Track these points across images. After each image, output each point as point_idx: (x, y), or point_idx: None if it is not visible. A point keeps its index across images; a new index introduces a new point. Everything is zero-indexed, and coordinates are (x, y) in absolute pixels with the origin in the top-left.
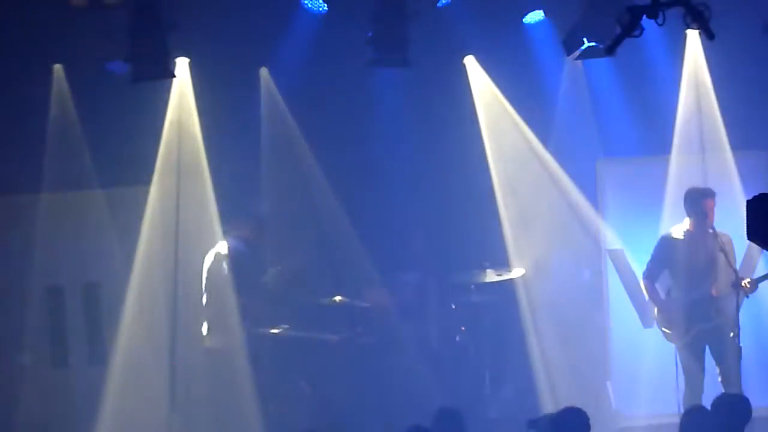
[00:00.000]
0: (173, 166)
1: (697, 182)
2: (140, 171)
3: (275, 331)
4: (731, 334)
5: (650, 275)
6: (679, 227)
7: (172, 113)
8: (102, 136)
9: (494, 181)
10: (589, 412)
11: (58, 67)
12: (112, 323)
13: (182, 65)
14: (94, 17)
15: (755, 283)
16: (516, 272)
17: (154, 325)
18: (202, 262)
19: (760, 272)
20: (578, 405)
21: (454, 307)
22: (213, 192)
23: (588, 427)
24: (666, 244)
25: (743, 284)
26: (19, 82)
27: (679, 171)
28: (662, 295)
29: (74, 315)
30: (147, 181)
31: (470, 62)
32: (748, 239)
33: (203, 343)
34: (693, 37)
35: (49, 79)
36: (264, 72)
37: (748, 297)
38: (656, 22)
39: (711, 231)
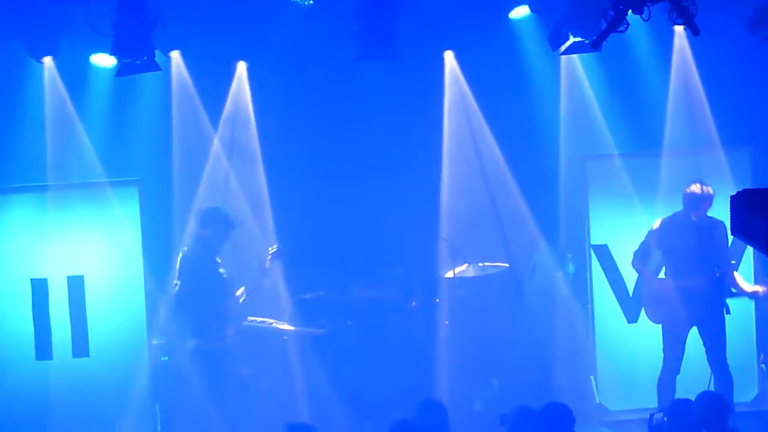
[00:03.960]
0: (163, 161)
1: (685, 178)
2: (126, 165)
3: (262, 323)
4: (718, 318)
5: (641, 256)
6: (675, 213)
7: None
8: (89, 130)
9: (481, 178)
10: (573, 407)
11: (47, 59)
12: (96, 316)
13: (176, 59)
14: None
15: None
16: (501, 267)
17: (137, 318)
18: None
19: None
20: (562, 399)
21: (438, 301)
22: (202, 188)
23: (573, 422)
24: (661, 227)
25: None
26: (5, 75)
27: (665, 167)
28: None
29: (58, 307)
30: (135, 176)
31: (449, 57)
32: (732, 234)
33: (186, 346)
34: (680, 33)
35: (37, 72)
36: (240, 65)
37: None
38: (641, 18)
39: (704, 218)
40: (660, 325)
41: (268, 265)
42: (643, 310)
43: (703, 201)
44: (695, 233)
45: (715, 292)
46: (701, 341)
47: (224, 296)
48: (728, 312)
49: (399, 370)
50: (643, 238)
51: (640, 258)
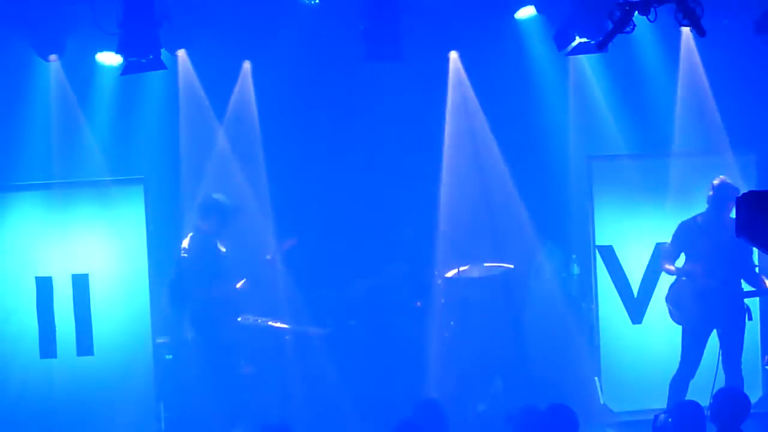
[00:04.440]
0: (168, 160)
1: (691, 180)
2: (132, 164)
3: (263, 322)
4: (739, 321)
5: (668, 257)
6: (698, 214)
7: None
8: (94, 128)
9: (482, 176)
10: (577, 408)
11: (53, 58)
12: (101, 314)
13: (183, 58)
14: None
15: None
16: (505, 267)
17: (142, 317)
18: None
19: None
20: (566, 400)
21: (442, 301)
22: (205, 186)
23: (577, 425)
24: (683, 230)
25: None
26: (11, 74)
27: (671, 168)
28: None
29: (63, 305)
30: (140, 174)
31: (453, 57)
32: (737, 236)
33: (186, 336)
34: (687, 34)
35: (43, 70)
36: (246, 65)
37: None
38: (648, 19)
39: (728, 220)
40: (677, 326)
41: (269, 256)
42: (667, 310)
43: (729, 200)
44: (718, 234)
45: (739, 296)
46: (719, 343)
47: (225, 287)
48: (750, 318)
49: (402, 370)
50: (668, 243)
51: (668, 258)
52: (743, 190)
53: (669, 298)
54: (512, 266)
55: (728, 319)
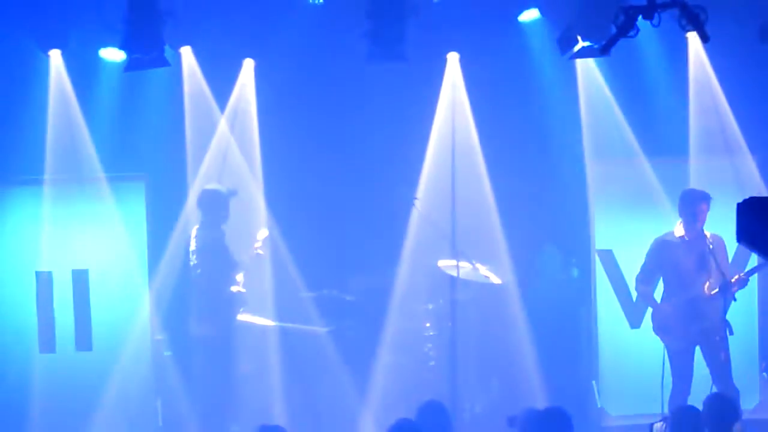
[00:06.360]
0: (170, 157)
1: (687, 185)
2: (133, 160)
3: (263, 321)
4: (720, 335)
5: (645, 279)
6: (671, 231)
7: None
8: (96, 124)
9: (484, 179)
10: (574, 411)
11: (55, 53)
12: (100, 310)
13: (187, 55)
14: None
15: (745, 278)
16: (505, 269)
17: (141, 311)
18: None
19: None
20: (563, 403)
21: (441, 302)
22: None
23: (571, 427)
24: (658, 247)
25: (734, 279)
26: (14, 68)
27: (672, 172)
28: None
29: (62, 300)
30: (142, 171)
31: (451, 59)
32: (738, 242)
33: (191, 331)
34: (694, 40)
35: (45, 64)
36: (247, 63)
37: (735, 300)
38: (651, 23)
39: (701, 233)
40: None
41: (252, 253)
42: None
43: (698, 211)
44: (693, 250)
45: (717, 311)
46: (704, 362)
47: (232, 283)
48: (731, 333)
49: (400, 371)
50: (643, 261)
51: (644, 282)
52: (743, 195)
53: (656, 329)
54: (511, 269)
55: (708, 336)
